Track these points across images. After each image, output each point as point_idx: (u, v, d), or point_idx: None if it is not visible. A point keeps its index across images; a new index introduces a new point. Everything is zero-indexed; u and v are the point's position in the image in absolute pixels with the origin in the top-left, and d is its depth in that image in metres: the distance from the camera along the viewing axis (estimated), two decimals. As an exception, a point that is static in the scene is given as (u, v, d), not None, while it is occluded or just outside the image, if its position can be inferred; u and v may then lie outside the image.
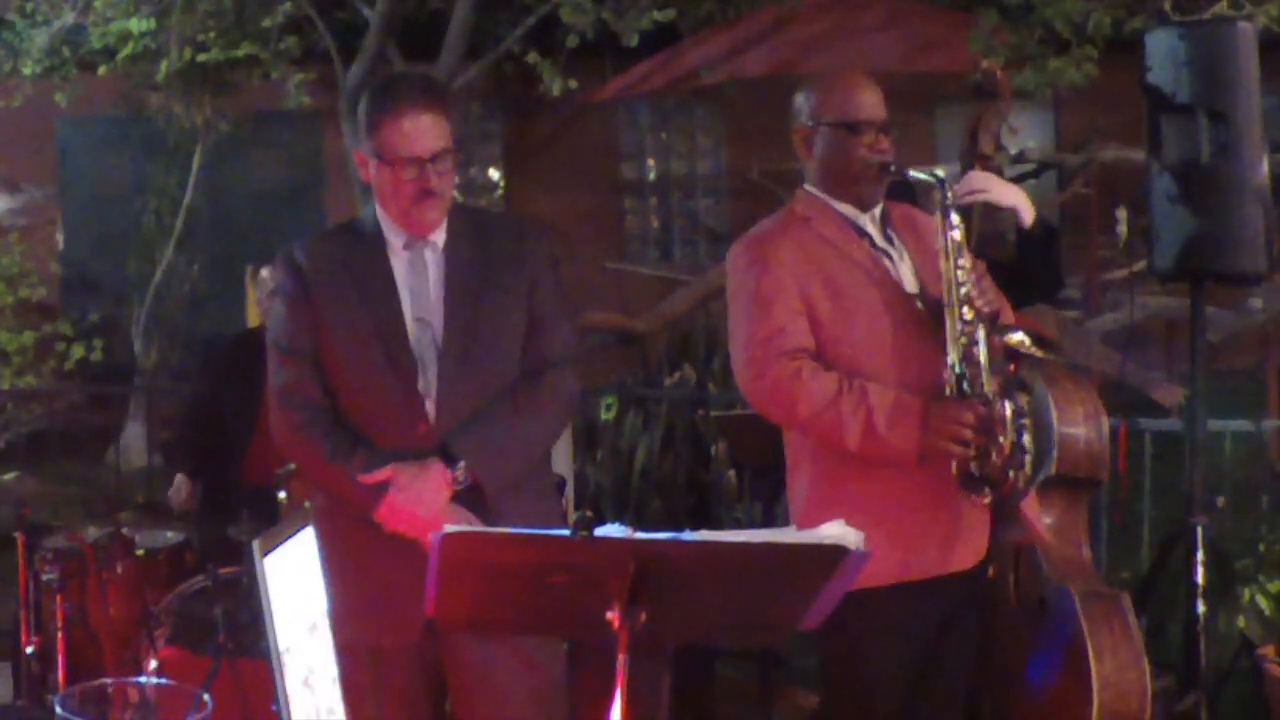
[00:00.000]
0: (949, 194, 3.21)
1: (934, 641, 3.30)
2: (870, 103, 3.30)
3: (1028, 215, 3.51)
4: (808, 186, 3.38)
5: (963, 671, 3.40)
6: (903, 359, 3.23)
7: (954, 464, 3.17)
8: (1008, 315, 3.34)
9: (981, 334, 3.17)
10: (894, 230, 3.36)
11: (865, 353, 3.23)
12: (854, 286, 3.24)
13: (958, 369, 3.17)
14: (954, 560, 3.25)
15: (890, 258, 3.31)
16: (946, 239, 3.19)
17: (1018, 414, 3.16)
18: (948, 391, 3.18)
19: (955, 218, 3.19)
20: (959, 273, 3.18)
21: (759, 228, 3.41)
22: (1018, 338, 3.16)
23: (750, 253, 3.32)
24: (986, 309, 3.18)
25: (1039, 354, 3.16)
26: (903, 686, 3.29)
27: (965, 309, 3.17)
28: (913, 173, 3.30)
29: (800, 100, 3.38)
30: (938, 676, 3.34)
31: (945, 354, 3.18)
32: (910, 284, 3.30)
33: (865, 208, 3.33)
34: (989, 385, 3.16)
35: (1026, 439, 3.17)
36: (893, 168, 3.27)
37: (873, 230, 3.32)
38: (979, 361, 3.17)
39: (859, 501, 3.11)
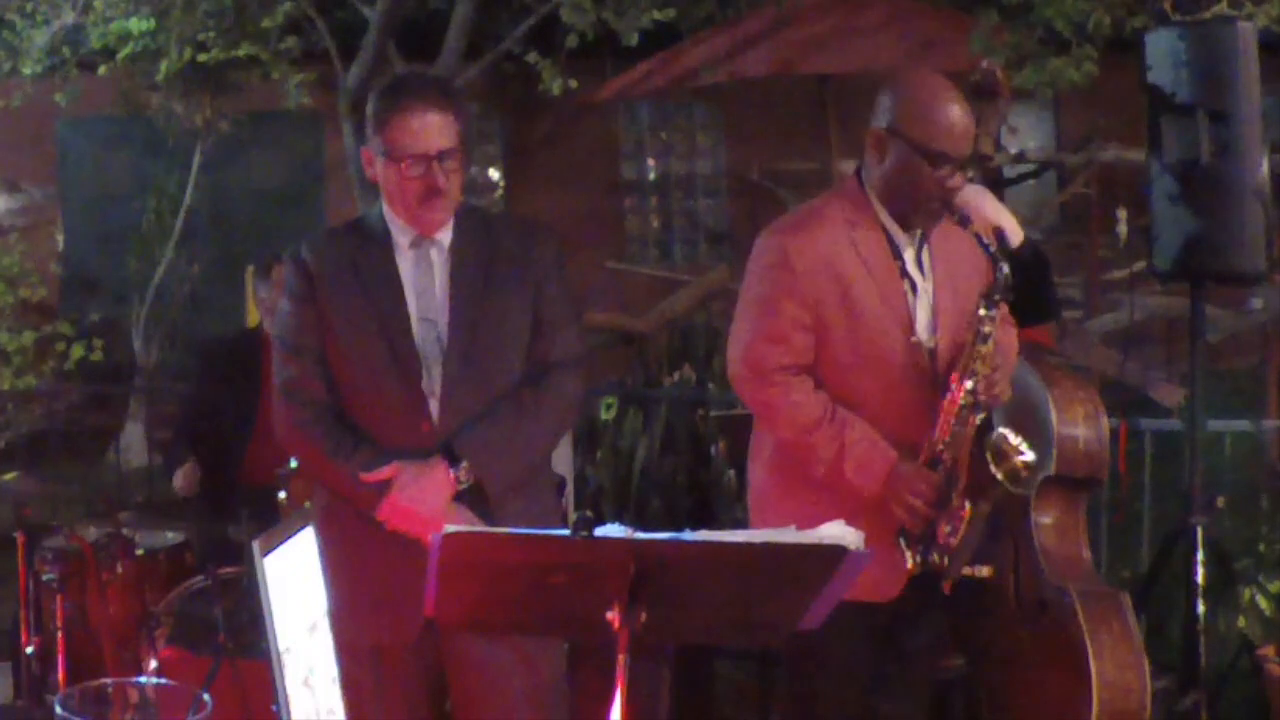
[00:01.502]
0: (1001, 278, 3.08)
1: (883, 651, 3.29)
2: (959, 133, 3.09)
3: (1015, 238, 3.44)
4: (864, 181, 3.22)
5: (919, 683, 3.41)
6: (893, 403, 3.18)
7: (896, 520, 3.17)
8: (1006, 384, 3.27)
9: (972, 426, 3.13)
10: (929, 250, 3.24)
11: (860, 384, 3.19)
12: (870, 315, 3.17)
13: (939, 444, 3.14)
14: (879, 590, 3.18)
15: (914, 290, 3.21)
16: (979, 329, 3.10)
17: (974, 520, 3.14)
18: (921, 460, 3.15)
19: (995, 307, 3.10)
20: (977, 362, 3.11)
21: (796, 217, 3.31)
22: (1013, 442, 3.12)
23: (777, 249, 3.20)
24: (989, 402, 3.15)
25: (1008, 478, 3.12)
26: (858, 689, 3.28)
27: (968, 396, 3.11)
28: (975, 234, 3.12)
29: (884, 100, 3.16)
30: (892, 686, 3.33)
31: (932, 419, 3.15)
32: (924, 327, 3.20)
33: (909, 229, 3.22)
34: (959, 475, 3.13)
35: (974, 536, 3.16)
36: (957, 216, 3.10)
37: (908, 254, 3.21)
38: (960, 447, 3.14)
39: (806, 510, 3.00)
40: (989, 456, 3.13)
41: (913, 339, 3.19)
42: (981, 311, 3.11)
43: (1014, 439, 3.14)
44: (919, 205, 3.15)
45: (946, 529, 3.15)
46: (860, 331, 3.17)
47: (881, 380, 3.19)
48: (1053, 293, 3.69)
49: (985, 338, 3.11)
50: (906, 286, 3.21)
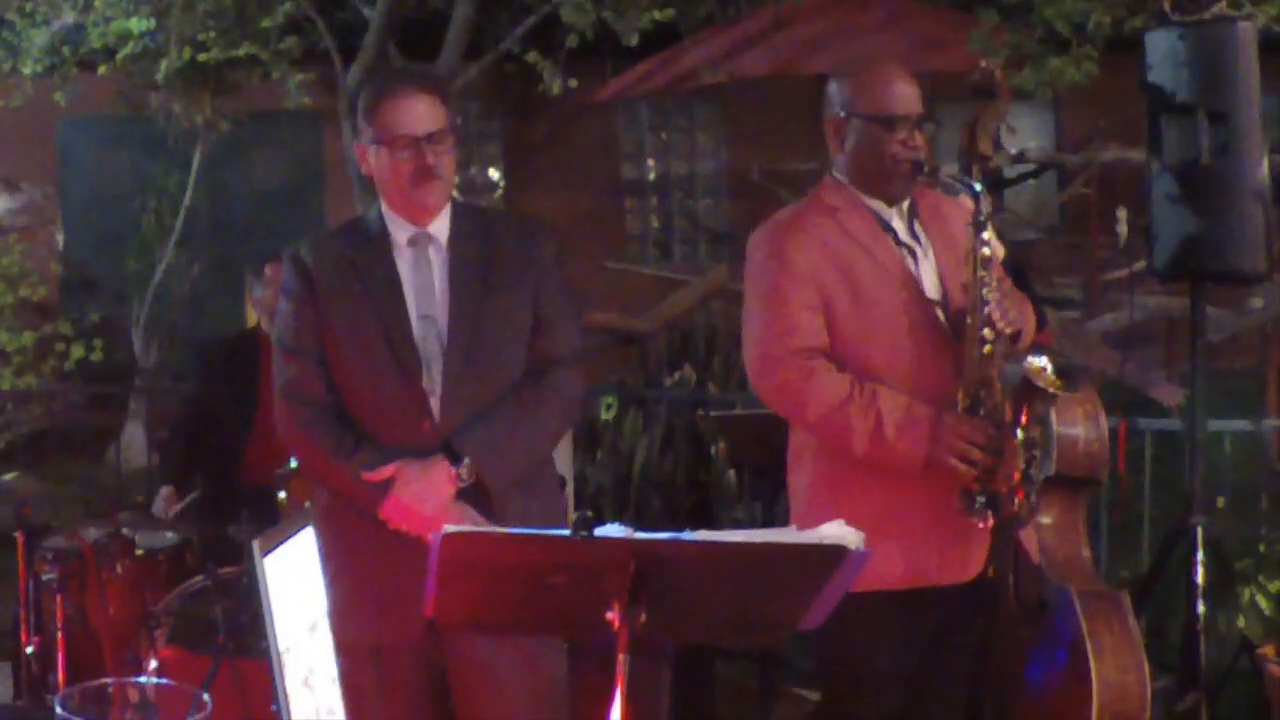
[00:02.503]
0: (983, 208, 3.14)
1: (931, 649, 3.29)
2: (906, 96, 3.23)
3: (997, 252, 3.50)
4: (836, 174, 3.32)
5: (960, 681, 3.39)
6: (917, 366, 3.19)
7: (957, 482, 3.15)
8: (1029, 337, 3.30)
9: (1001, 355, 3.13)
10: (921, 223, 3.30)
11: (879, 355, 3.20)
12: (874, 286, 3.20)
13: (972, 388, 3.14)
14: (952, 572, 3.22)
15: (914, 256, 3.26)
16: (976, 255, 3.13)
17: (1029, 444, 3.13)
18: (960, 409, 3.14)
19: (987, 234, 3.13)
20: (985, 290, 3.12)
21: (783, 214, 3.35)
22: (1038, 364, 3.10)
23: (771, 243, 3.27)
24: (1008, 329, 3.14)
25: (1051, 389, 3.10)
26: (899, 688, 3.28)
27: (987, 329, 3.12)
28: (948, 178, 3.24)
29: (833, 89, 3.30)
30: (934, 680, 3.33)
31: (961, 368, 3.15)
32: (932, 287, 3.25)
33: (893, 203, 3.27)
34: (1003, 409, 3.12)
35: (1034, 470, 3.13)
36: (926, 168, 3.21)
37: (899, 225, 3.27)
38: (995, 384, 3.13)
39: (860, 505, 3.07)
40: (1032, 378, 3.10)
41: (926, 296, 3.22)
42: (972, 238, 3.14)
43: (1034, 359, 3.13)
44: (890, 172, 3.22)
45: (1004, 472, 3.12)
46: (868, 305, 3.20)
47: (901, 349, 3.20)
48: (1036, 303, 3.69)
49: (985, 262, 3.13)
50: (904, 253, 3.25)
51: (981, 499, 3.15)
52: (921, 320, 3.21)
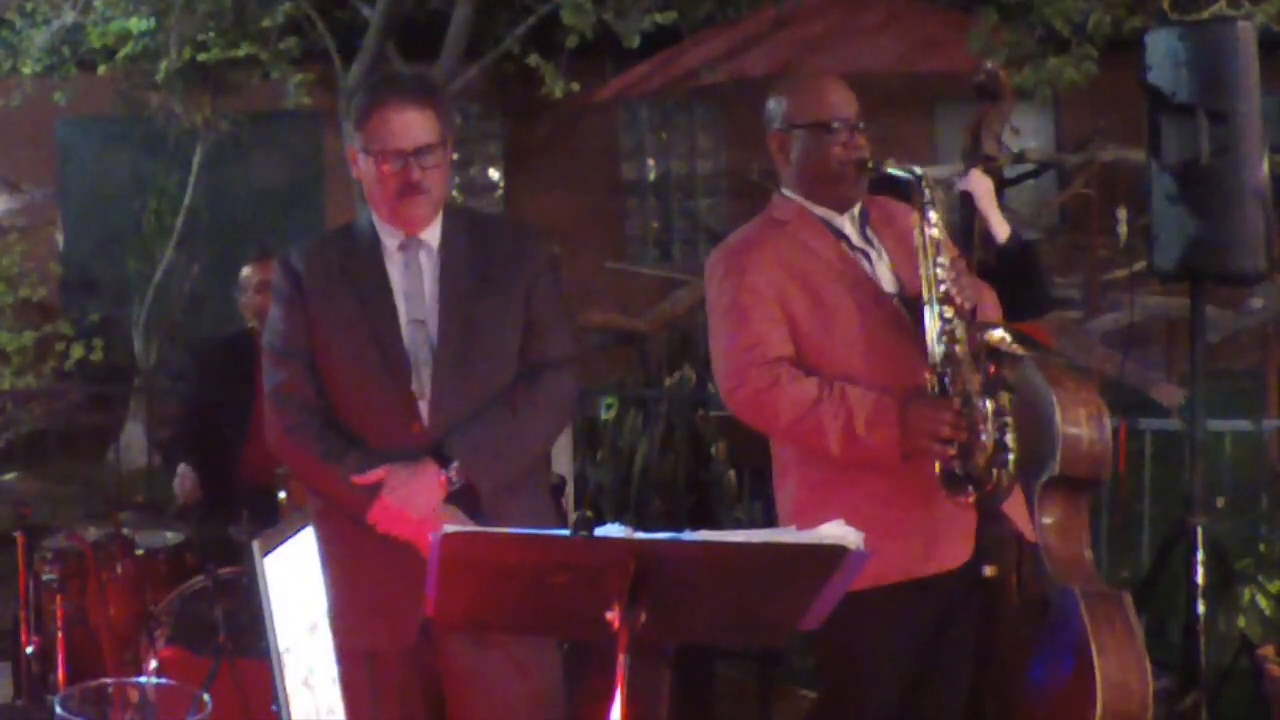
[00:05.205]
0: (926, 191, 3.18)
1: (930, 640, 3.29)
2: (841, 101, 3.30)
3: (1000, 231, 3.51)
4: (785, 190, 3.38)
5: (961, 670, 3.39)
6: (881, 362, 3.21)
7: (936, 463, 3.15)
8: (988, 310, 3.31)
9: (962, 331, 3.15)
10: (873, 228, 3.35)
11: (844, 357, 3.22)
12: (831, 291, 3.24)
13: (939, 368, 3.16)
14: (941, 560, 3.22)
15: (868, 258, 3.30)
16: (925, 237, 3.17)
17: (999, 412, 3.13)
18: (930, 391, 3.16)
19: (933, 215, 3.17)
20: (938, 270, 3.16)
21: (736, 236, 3.41)
22: (998, 335, 3.12)
23: (727, 262, 3.32)
24: (966, 305, 3.17)
25: (1019, 352, 3.13)
26: (898, 686, 3.29)
27: (945, 307, 3.14)
28: (890, 169, 3.26)
29: (773, 105, 3.38)
30: (935, 676, 3.34)
31: (925, 353, 3.17)
32: (888, 283, 3.29)
33: (843, 208, 3.32)
34: (970, 383, 3.14)
35: (1009, 437, 3.14)
36: (870, 164, 3.26)
37: (850, 231, 3.32)
38: (960, 359, 3.15)
39: (846, 507, 3.05)
40: (996, 345, 3.12)
41: (884, 294, 3.26)
42: (919, 220, 3.18)
43: (993, 332, 3.14)
44: (835, 176, 3.28)
45: (981, 439, 3.12)
46: (828, 310, 3.23)
47: (864, 348, 3.22)
48: (1043, 285, 3.69)
49: (935, 243, 3.16)
50: (859, 256, 3.30)
51: (961, 473, 3.15)
52: (882, 317, 3.25)
